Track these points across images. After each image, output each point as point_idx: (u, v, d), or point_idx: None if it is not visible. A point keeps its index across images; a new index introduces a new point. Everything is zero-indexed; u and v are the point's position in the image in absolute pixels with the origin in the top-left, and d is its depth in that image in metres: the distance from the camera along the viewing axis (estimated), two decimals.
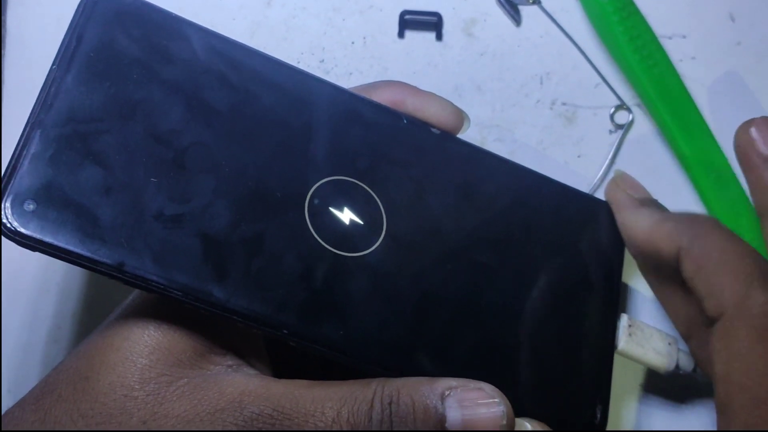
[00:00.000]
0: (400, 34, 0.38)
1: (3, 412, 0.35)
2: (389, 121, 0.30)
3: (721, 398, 0.27)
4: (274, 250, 0.27)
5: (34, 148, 0.24)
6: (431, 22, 0.38)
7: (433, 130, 0.31)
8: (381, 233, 0.29)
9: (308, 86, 0.29)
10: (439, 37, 0.38)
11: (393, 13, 0.38)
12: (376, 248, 0.28)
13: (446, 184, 0.31)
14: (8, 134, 0.36)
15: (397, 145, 0.30)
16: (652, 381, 0.36)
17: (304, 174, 0.28)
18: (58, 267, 0.36)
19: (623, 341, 0.32)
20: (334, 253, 0.28)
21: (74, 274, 0.36)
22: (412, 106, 0.31)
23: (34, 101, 0.25)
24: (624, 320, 0.32)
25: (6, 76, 0.37)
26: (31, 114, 0.25)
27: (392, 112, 0.31)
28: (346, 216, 0.28)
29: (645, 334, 0.32)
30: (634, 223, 0.33)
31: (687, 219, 0.31)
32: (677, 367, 0.32)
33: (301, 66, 0.38)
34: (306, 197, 0.28)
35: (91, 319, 0.36)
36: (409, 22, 0.38)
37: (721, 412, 0.27)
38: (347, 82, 0.38)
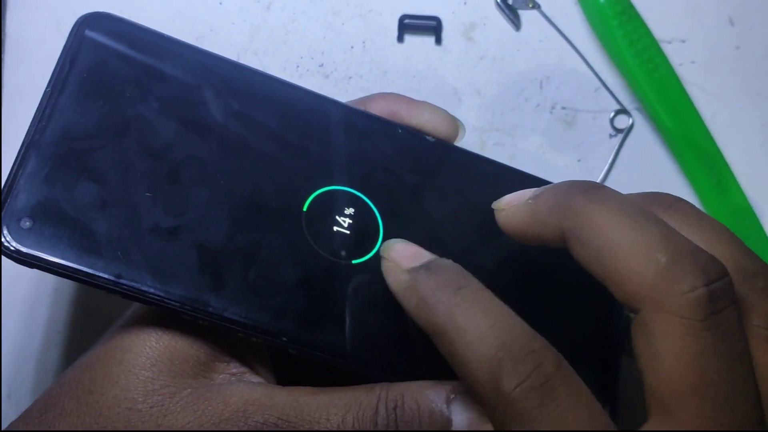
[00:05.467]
0: (400, 39, 0.38)
1: (3, 420, 0.34)
2: (384, 131, 0.30)
3: (657, 398, 0.23)
4: (270, 258, 0.27)
5: (29, 167, 0.25)
6: (431, 27, 0.38)
7: (428, 138, 0.31)
8: (378, 240, 0.29)
9: (301, 100, 0.30)
10: (438, 41, 0.38)
11: (392, 18, 0.38)
12: (373, 256, 0.28)
13: (442, 190, 0.31)
14: (8, 135, 0.36)
15: (391, 154, 0.30)
16: None
17: (299, 184, 0.28)
18: None
19: (630, 341, 0.32)
20: (332, 260, 0.28)
21: None
22: (406, 115, 0.31)
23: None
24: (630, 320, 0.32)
25: (6, 78, 0.36)
26: (26, 135, 0.25)
27: (387, 122, 0.31)
28: (343, 224, 0.28)
29: None
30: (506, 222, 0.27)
31: (561, 193, 0.25)
32: None
33: (301, 70, 0.38)
34: (302, 207, 0.28)
35: (90, 324, 0.35)
36: (408, 26, 0.38)
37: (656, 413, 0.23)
38: (346, 87, 0.38)
